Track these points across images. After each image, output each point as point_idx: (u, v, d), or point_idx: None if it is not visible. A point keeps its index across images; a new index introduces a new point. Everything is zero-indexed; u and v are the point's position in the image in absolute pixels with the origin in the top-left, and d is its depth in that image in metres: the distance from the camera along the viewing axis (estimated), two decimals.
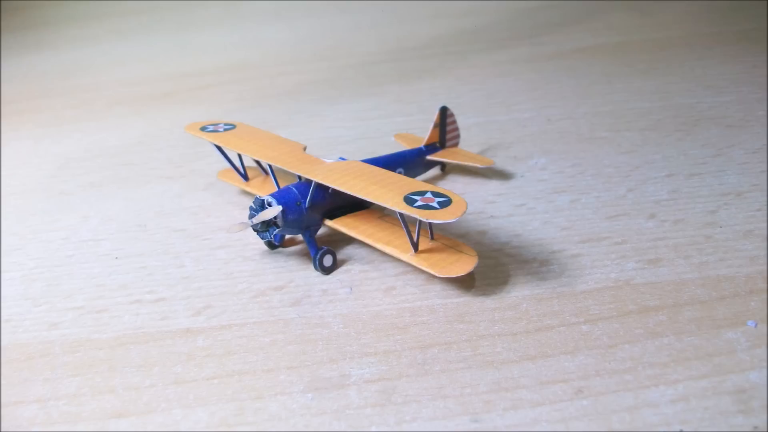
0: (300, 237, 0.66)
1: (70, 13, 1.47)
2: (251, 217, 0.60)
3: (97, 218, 0.73)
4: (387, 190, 0.56)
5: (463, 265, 0.56)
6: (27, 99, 1.07)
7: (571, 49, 1.03)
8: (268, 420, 0.48)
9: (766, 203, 0.64)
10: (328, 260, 0.62)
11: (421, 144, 0.74)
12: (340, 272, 0.61)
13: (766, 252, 0.58)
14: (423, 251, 0.58)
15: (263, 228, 0.60)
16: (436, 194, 0.55)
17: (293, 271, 0.62)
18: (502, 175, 0.73)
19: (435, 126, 0.74)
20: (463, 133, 0.82)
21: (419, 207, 0.53)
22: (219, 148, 0.71)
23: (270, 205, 0.60)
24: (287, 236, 0.66)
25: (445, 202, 0.54)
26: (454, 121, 0.75)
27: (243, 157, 0.72)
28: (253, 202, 0.61)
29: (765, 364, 0.48)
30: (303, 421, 0.47)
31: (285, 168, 0.63)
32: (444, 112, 0.74)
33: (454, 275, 0.55)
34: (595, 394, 0.47)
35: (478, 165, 0.72)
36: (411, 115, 0.89)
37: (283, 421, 0.47)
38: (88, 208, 0.75)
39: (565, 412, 0.46)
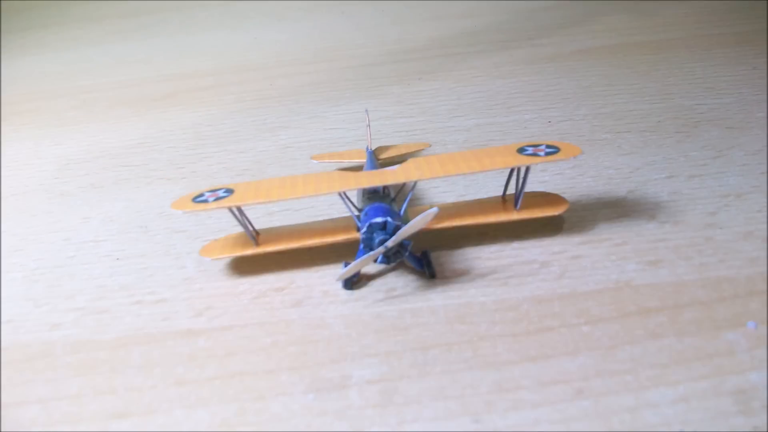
0: None
1: (71, 14, 1.47)
2: (376, 243, 0.55)
3: (98, 219, 0.73)
4: (497, 154, 0.62)
5: (556, 205, 0.63)
6: (28, 100, 1.07)
7: (571, 50, 1.03)
8: (269, 420, 0.48)
9: (766, 205, 0.64)
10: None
11: (368, 148, 0.76)
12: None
13: (766, 253, 0.58)
14: (521, 209, 0.63)
15: (396, 249, 0.56)
16: (542, 147, 0.62)
17: (294, 273, 0.62)
18: (502, 177, 0.73)
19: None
20: (464, 135, 0.82)
21: (534, 155, 0.61)
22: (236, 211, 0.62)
23: (388, 224, 0.56)
24: None
25: (553, 151, 0.61)
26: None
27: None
28: (368, 229, 0.56)
29: (765, 365, 0.48)
30: (304, 421, 0.47)
31: (360, 186, 0.60)
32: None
33: (559, 212, 0.62)
34: (596, 394, 0.47)
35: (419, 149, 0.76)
36: (412, 116, 0.89)
37: (284, 421, 0.48)
38: (89, 209, 0.75)
39: (566, 413, 0.46)
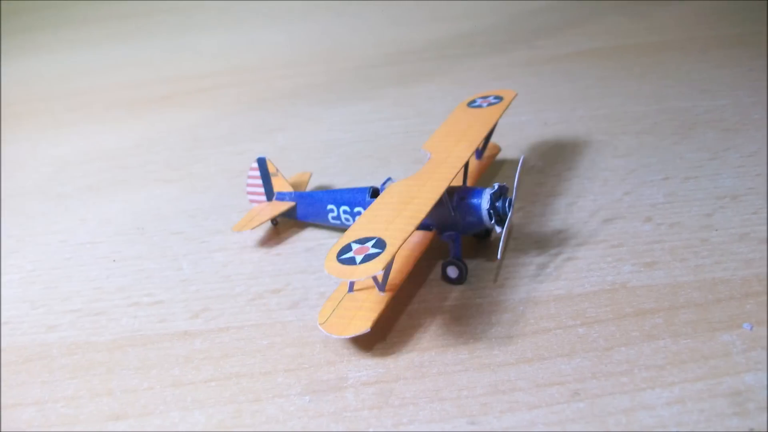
0: None
1: (69, 16, 1.47)
2: (506, 206, 0.56)
3: (94, 221, 0.73)
4: (472, 124, 0.66)
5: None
6: (25, 102, 1.07)
7: (567, 52, 1.03)
8: (265, 422, 0.48)
9: (761, 206, 0.64)
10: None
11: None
12: None
13: (761, 255, 0.58)
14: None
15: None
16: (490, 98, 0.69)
17: (291, 274, 0.62)
18: (498, 178, 0.73)
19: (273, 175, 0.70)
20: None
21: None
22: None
23: (501, 187, 0.57)
24: None
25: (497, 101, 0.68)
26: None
27: None
28: (490, 199, 0.56)
29: (760, 366, 0.48)
30: (300, 423, 0.47)
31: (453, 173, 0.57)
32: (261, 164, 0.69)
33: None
34: (592, 396, 0.47)
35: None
36: (408, 118, 0.89)
37: (280, 423, 0.48)
38: (85, 211, 0.75)
39: (562, 415, 0.46)
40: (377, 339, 0.54)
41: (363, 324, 0.51)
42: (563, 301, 0.56)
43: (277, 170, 0.69)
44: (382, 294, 0.54)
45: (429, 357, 0.52)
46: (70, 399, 0.51)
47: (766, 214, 0.63)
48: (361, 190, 0.63)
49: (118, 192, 0.79)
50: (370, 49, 1.14)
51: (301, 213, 0.68)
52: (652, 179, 0.70)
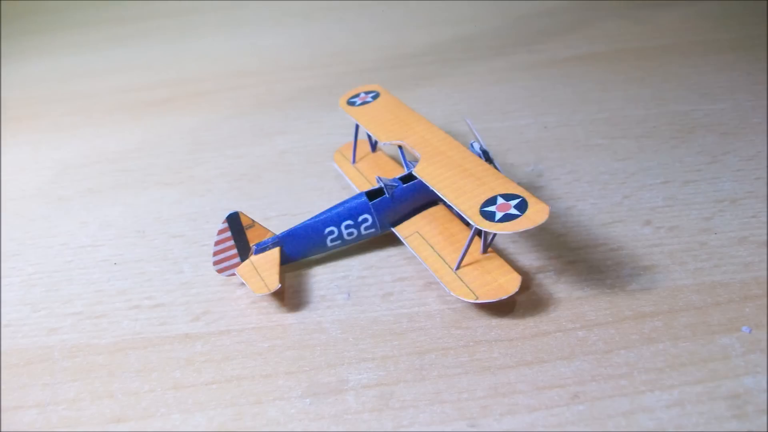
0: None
1: (69, 19, 1.47)
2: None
3: (95, 224, 0.74)
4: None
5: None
6: (26, 105, 1.07)
7: (567, 56, 1.03)
8: (266, 425, 0.48)
9: (760, 210, 0.64)
10: None
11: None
12: (337, 278, 0.62)
13: (760, 258, 0.59)
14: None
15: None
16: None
17: (291, 278, 0.62)
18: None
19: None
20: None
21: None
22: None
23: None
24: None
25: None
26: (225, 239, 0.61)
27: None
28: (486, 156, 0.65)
29: (759, 369, 0.48)
30: (301, 425, 0.48)
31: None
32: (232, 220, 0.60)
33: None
34: (591, 399, 0.47)
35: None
36: None
37: (281, 425, 0.48)
38: (86, 214, 0.75)
39: (562, 417, 0.46)
40: (377, 341, 0.54)
41: (514, 280, 0.55)
42: (563, 304, 0.56)
43: (253, 221, 0.61)
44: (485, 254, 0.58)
45: (429, 360, 0.52)
46: (72, 402, 0.52)
47: (765, 218, 0.63)
48: (356, 198, 0.63)
49: (119, 195, 0.79)
50: (370, 52, 1.14)
51: (292, 251, 0.62)
52: (651, 183, 0.70)
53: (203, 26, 1.37)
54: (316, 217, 0.62)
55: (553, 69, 1.00)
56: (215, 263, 0.61)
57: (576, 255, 0.61)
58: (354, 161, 0.76)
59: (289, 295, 0.60)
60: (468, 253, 0.57)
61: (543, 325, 0.54)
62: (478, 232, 0.56)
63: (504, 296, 0.54)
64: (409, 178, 0.64)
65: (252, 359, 0.54)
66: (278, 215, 0.72)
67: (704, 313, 0.54)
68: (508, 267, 0.56)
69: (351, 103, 0.75)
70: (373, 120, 0.71)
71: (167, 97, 1.05)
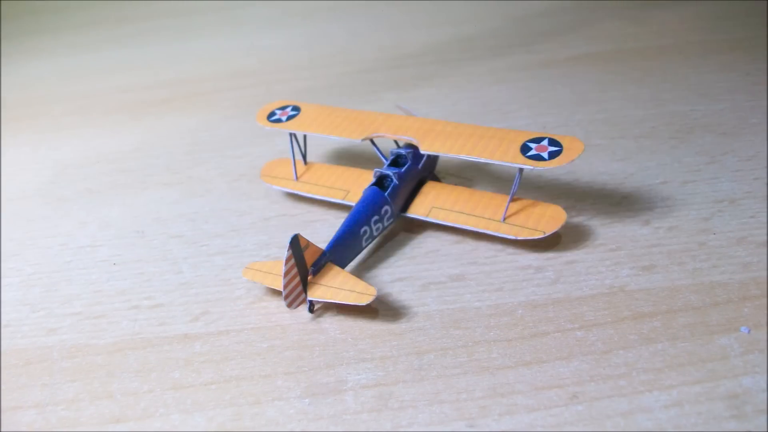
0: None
1: (69, 19, 1.47)
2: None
3: (95, 224, 0.74)
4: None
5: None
6: (25, 105, 1.07)
7: (566, 56, 1.04)
8: (265, 425, 0.48)
9: (759, 210, 0.64)
10: None
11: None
12: None
13: (759, 258, 0.59)
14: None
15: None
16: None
17: None
18: (497, 182, 0.73)
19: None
20: None
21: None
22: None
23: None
24: None
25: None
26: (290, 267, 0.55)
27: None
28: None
29: (758, 369, 0.48)
30: (300, 426, 0.48)
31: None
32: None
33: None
34: (590, 399, 0.47)
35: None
36: None
37: (280, 426, 0.48)
38: (86, 215, 0.76)
39: (560, 418, 0.46)
40: (376, 341, 0.54)
41: (559, 209, 0.62)
42: (561, 305, 0.56)
43: (308, 241, 0.57)
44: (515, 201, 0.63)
45: (428, 360, 0.52)
46: (71, 402, 0.52)
47: (763, 218, 0.63)
48: (372, 193, 0.64)
49: (118, 195, 0.79)
50: (369, 53, 1.15)
51: (338, 261, 0.59)
52: (650, 183, 0.70)
53: (202, 27, 1.37)
54: (347, 222, 0.61)
55: (552, 69, 1.00)
56: (288, 298, 0.56)
57: (574, 255, 0.61)
58: (296, 177, 0.73)
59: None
60: (492, 221, 0.62)
61: (541, 325, 0.54)
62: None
63: (562, 223, 0.60)
64: (395, 164, 0.67)
65: (251, 359, 0.54)
66: (277, 215, 0.72)
67: (703, 314, 0.54)
68: (543, 203, 0.63)
69: (276, 120, 0.73)
70: (324, 127, 0.70)
71: (167, 97, 1.05)
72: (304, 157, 0.75)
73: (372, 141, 0.69)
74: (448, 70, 1.04)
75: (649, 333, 0.52)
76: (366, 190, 0.64)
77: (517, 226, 0.61)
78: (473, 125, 0.65)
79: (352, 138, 0.67)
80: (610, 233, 0.64)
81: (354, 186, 0.69)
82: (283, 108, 0.74)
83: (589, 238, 0.63)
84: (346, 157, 0.81)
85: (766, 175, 0.69)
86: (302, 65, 1.12)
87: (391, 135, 0.66)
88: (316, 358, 0.53)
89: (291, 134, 0.72)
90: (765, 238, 0.61)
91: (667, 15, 1.16)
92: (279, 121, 0.72)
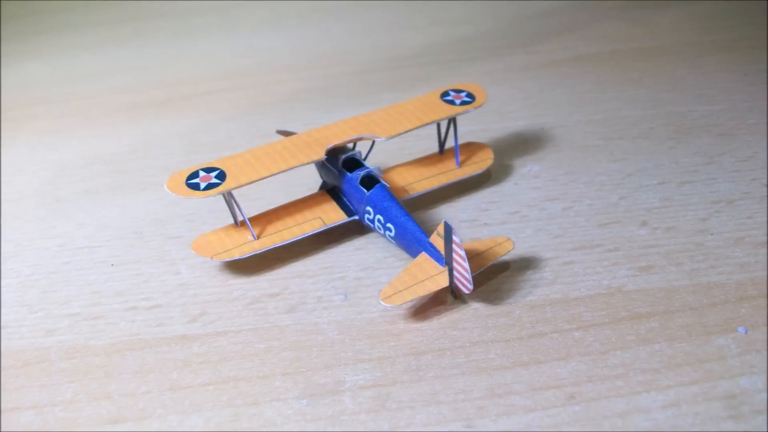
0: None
1: (67, 21, 1.47)
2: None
3: (93, 225, 0.74)
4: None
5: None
6: (23, 106, 1.07)
7: (564, 57, 1.04)
8: (263, 426, 0.48)
9: (757, 210, 0.65)
10: None
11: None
12: (334, 279, 0.62)
13: (756, 259, 0.59)
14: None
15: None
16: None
17: (288, 279, 0.62)
18: (495, 182, 0.73)
19: (439, 235, 0.57)
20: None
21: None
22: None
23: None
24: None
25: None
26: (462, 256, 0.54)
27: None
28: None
29: (755, 369, 0.48)
30: (298, 426, 0.48)
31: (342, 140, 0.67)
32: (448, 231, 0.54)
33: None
34: (587, 399, 0.47)
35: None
36: None
37: (278, 427, 0.48)
38: (83, 216, 0.76)
39: (558, 418, 0.46)
40: (374, 342, 0.54)
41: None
42: (559, 305, 0.56)
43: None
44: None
45: (426, 361, 0.52)
46: (69, 403, 0.52)
47: (761, 219, 0.63)
48: (380, 190, 0.64)
49: (116, 196, 0.79)
50: (367, 53, 1.15)
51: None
52: (647, 183, 0.70)
53: (200, 27, 1.37)
54: (403, 220, 0.61)
55: (550, 70, 1.00)
56: (457, 280, 0.55)
57: (572, 256, 0.61)
58: (255, 236, 0.64)
59: (286, 296, 0.60)
60: (449, 171, 0.72)
61: (539, 326, 0.54)
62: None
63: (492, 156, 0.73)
64: (353, 164, 0.68)
65: (249, 360, 0.54)
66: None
67: (700, 314, 0.54)
68: (470, 144, 0.76)
69: (193, 186, 0.62)
70: (268, 167, 0.63)
71: (164, 98, 1.05)
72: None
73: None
74: (446, 71, 1.04)
75: (647, 333, 0.52)
76: (372, 192, 0.63)
77: (471, 165, 0.72)
78: (393, 105, 0.72)
79: (314, 160, 0.64)
80: (608, 234, 0.64)
81: (320, 210, 0.66)
82: (207, 170, 0.63)
83: (586, 238, 0.63)
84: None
85: (763, 176, 0.70)
86: (301, 66, 1.12)
87: (346, 140, 0.66)
88: (313, 359, 0.53)
89: (226, 194, 0.62)
90: (762, 238, 0.61)
91: (664, 16, 1.16)
92: (197, 187, 0.61)
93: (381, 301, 0.54)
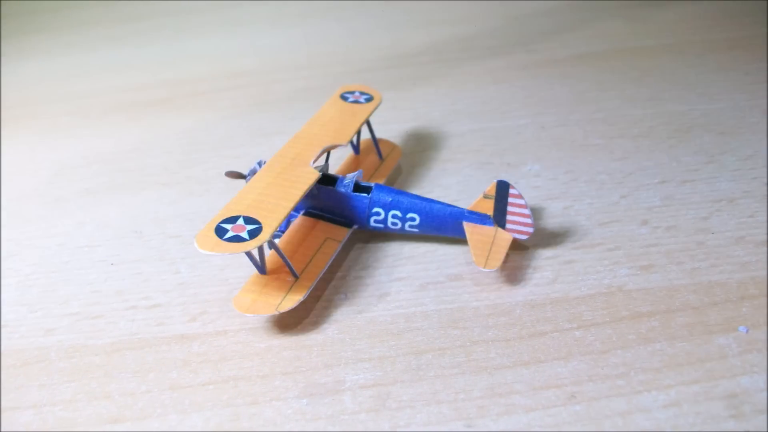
0: None
1: (67, 19, 1.47)
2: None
3: (92, 224, 0.73)
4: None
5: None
6: (23, 105, 1.07)
7: (564, 56, 1.03)
8: (263, 425, 0.48)
9: (758, 209, 0.64)
10: None
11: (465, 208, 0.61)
12: (334, 278, 0.62)
13: (757, 258, 0.59)
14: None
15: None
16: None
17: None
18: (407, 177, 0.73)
19: (487, 197, 0.60)
20: (458, 140, 0.83)
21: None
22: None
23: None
24: None
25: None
26: (522, 205, 0.59)
27: None
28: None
29: (756, 369, 0.48)
30: (298, 426, 0.48)
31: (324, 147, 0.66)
32: (504, 188, 0.59)
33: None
34: (588, 399, 0.47)
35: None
36: (406, 122, 0.89)
37: (278, 426, 0.48)
38: (83, 215, 0.75)
39: (558, 418, 0.46)
40: (374, 341, 0.54)
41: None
42: (560, 305, 0.56)
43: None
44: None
45: (426, 360, 0.52)
46: (68, 402, 0.51)
47: (762, 217, 0.63)
48: (385, 189, 0.64)
49: (116, 195, 0.79)
50: (367, 52, 1.14)
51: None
52: (648, 182, 0.70)
53: (200, 26, 1.37)
54: (424, 204, 0.62)
55: (551, 69, 1.00)
56: (515, 228, 0.60)
57: (573, 255, 0.61)
58: (297, 275, 0.58)
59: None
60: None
61: (540, 325, 0.54)
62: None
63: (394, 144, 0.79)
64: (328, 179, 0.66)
65: (249, 360, 0.54)
66: None
67: (701, 313, 0.54)
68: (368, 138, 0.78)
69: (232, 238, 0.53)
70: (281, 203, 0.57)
71: (164, 97, 1.05)
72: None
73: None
74: (447, 70, 1.04)
75: (648, 333, 0.52)
76: (374, 193, 0.63)
77: (392, 156, 0.78)
78: (315, 116, 0.72)
79: (314, 180, 0.60)
80: (609, 233, 0.64)
81: (320, 231, 0.63)
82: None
83: (587, 237, 0.63)
84: None
85: (764, 175, 0.70)
86: (301, 65, 1.12)
87: (318, 154, 0.64)
88: (314, 358, 0.53)
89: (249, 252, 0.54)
90: (763, 237, 0.61)
91: (665, 14, 1.16)
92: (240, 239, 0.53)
93: (482, 269, 0.57)
